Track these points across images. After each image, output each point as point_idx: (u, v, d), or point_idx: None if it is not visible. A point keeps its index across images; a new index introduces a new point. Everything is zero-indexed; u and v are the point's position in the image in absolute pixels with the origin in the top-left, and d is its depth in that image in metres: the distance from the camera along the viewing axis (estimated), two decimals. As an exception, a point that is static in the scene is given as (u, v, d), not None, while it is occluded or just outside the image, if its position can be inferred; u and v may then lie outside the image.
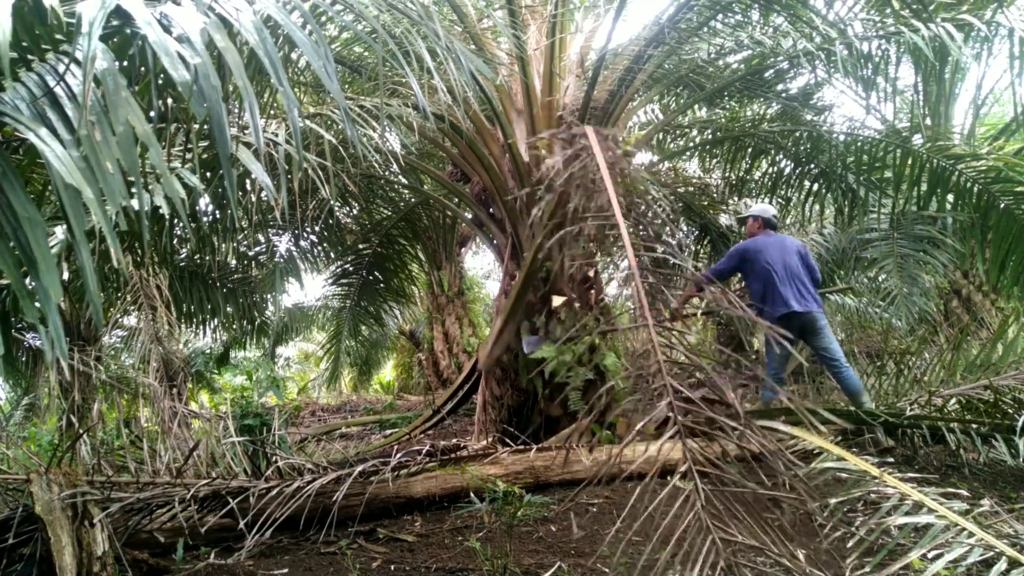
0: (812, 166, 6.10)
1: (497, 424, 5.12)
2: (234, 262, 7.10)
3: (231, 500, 2.76)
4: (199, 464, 3.12)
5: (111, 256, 1.30)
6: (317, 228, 7.10)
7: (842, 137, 5.70)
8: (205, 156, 3.12)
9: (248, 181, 4.04)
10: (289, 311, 11.07)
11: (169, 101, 2.16)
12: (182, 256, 6.32)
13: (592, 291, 5.17)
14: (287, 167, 2.93)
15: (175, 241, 5.16)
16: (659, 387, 2.27)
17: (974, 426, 3.51)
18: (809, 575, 1.59)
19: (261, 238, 6.79)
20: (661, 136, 7.50)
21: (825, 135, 5.74)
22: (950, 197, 5.15)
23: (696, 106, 6.99)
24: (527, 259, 4.91)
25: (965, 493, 2.13)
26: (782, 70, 5.79)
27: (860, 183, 5.70)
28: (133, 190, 1.40)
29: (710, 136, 6.93)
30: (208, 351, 10.84)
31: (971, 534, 1.82)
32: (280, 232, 6.92)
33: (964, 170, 4.88)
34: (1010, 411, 3.53)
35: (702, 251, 8.31)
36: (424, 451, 3.36)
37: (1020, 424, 3.15)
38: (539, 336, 4.87)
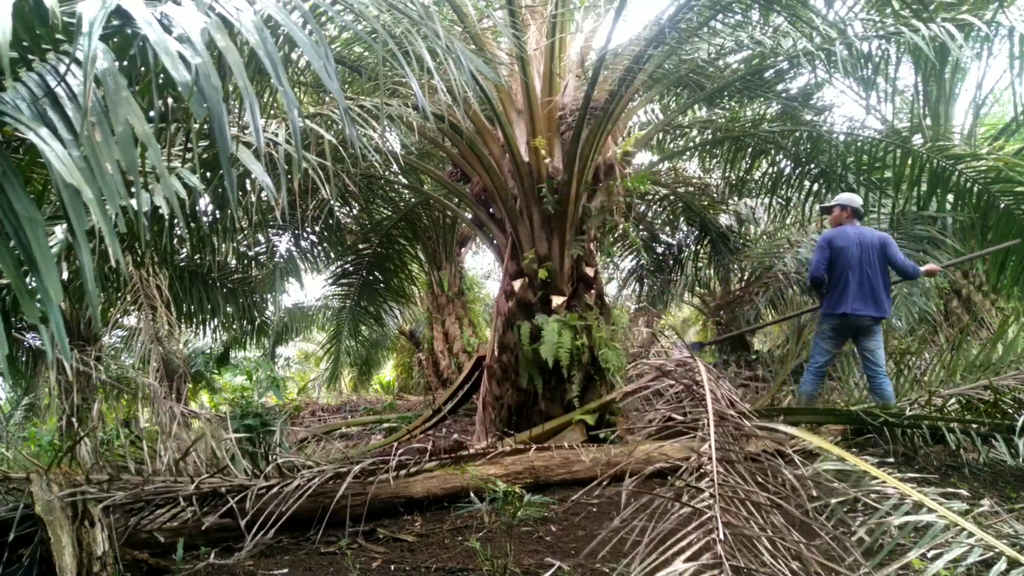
0: (812, 166, 6.10)
1: (497, 424, 5.13)
2: (234, 262, 7.10)
3: (231, 499, 2.76)
4: (199, 464, 3.12)
5: (111, 256, 1.30)
6: (317, 228, 7.11)
7: (842, 137, 5.71)
8: (205, 156, 3.12)
9: (248, 181, 4.04)
10: (289, 311, 11.06)
11: (169, 101, 2.16)
12: (182, 256, 6.32)
13: (593, 290, 5.18)
14: (287, 167, 2.93)
15: (175, 241, 5.17)
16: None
17: (974, 426, 3.51)
18: (814, 574, 1.59)
19: (261, 238, 6.79)
20: (661, 136, 7.50)
21: (825, 135, 5.74)
22: (950, 197, 5.16)
23: (696, 106, 6.99)
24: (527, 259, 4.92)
25: (965, 493, 2.13)
26: (782, 70, 5.79)
27: (860, 183, 5.70)
28: (133, 190, 1.40)
29: (710, 136, 6.94)
30: (208, 351, 10.83)
31: (971, 534, 1.82)
32: (280, 232, 6.92)
33: (964, 170, 4.88)
34: (1010, 411, 3.53)
35: (702, 251, 8.31)
36: (424, 450, 3.36)
37: (1020, 424, 3.14)
38: (700, 343, 4.87)
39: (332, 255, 7.68)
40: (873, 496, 2.10)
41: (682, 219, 8.35)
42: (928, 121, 6.01)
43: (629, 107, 5.67)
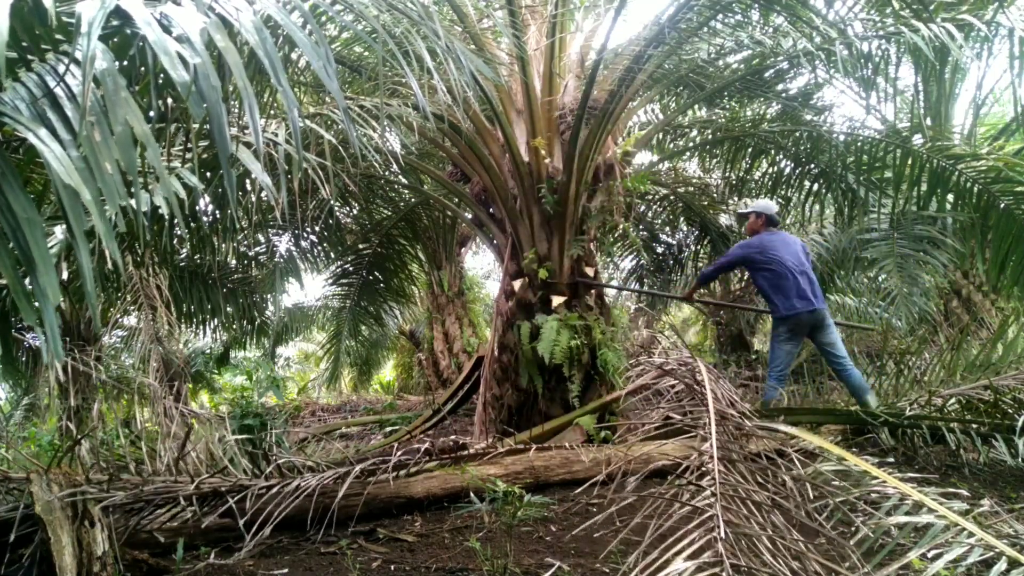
0: (812, 166, 6.09)
1: (497, 424, 5.13)
2: (234, 262, 7.10)
3: (230, 499, 2.76)
4: (198, 464, 3.12)
5: (109, 256, 1.30)
6: (317, 228, 7.11)
7: (842, 137, 5.70)
8: (205, 156, 3.12)
9: (248, 181, 4.03)
10: (289, 311, 11.06)
11: (169, 101, 2.16)
12: (182, 256, 6.32)
13: (592, 290, 5.18)
14: (287, 167, 2.93)
15: (175, 241, 5.16)
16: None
17: (974, 426, 3.51)
18: (814, 573, 1.59)
19: (261, 238, 6.79)
20: (661, 136, 7.50)
21: (825, 135, 5.74)
22: (950, 197, 5.15)
23: (696, 106, 6.98)
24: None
25: (965, 493, 2.12)
26: (782, 70, 5.79)
27: (860, 183, 5.70)
28: (132, 190, 1.40)
29: (710, 136, 6.94)
30: (208, 351, 10.83)
31: (971, 534, 1.82)
32: (280, 232, 6.92)
33: (964, 170, 4.87)
34: (1010, 411, 3.53)
35: (702, 251, 8.31)
36: (424, 450, 3.36)
37: (1020, 424, 3.14)
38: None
39: (332, 255, 7.68)
40: (873, 496, 2.10)
41: (682, 219, 8.35)
42: (928, 121, 6.01)
43: (629, 107, 5.66)
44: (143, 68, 1.49)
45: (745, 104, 6.65)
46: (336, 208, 7.11)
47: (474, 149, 5.09)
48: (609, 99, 4.68)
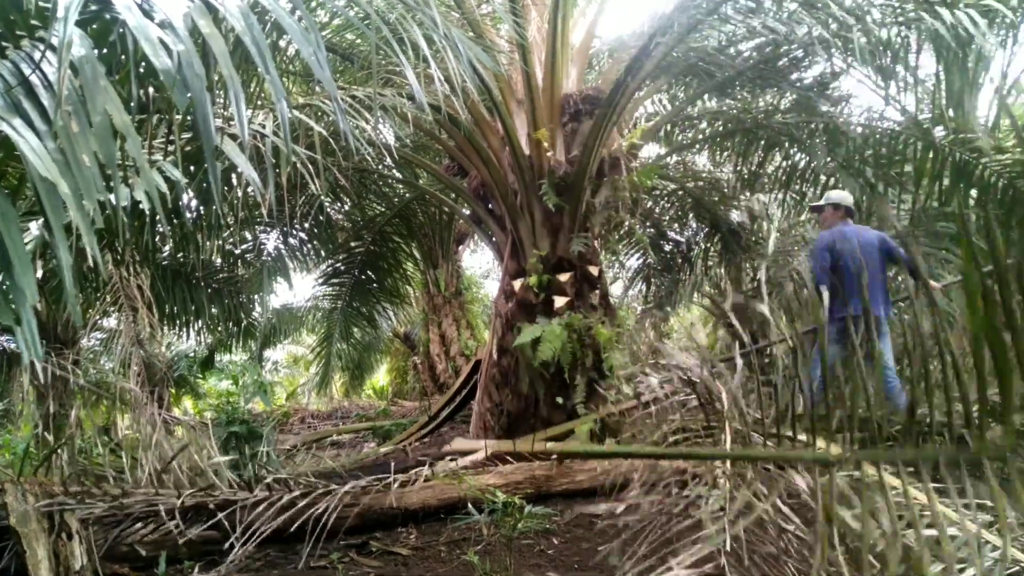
0: (828, 159, 6.09)
1: (496, 432, 5.12)
2: (219, 261, 7.09)
3: (219, 513, 2.76)
4: (181, 474, 3.11)
5: (88, 254, 1.30)
6: (307, 225, 7.10)
7: (860, 129, 5.70)
8: (188, 149, 3.12)
9: (234, 175, 4.04)
10: (277, 312, 11.07)
11: (150, 90, 2.16)
12: (164, 254, 6.32)
13: (597, 290, 5.18)
14: (275, 160, 2.93)
15: (157, 238, 5.16)
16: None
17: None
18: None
19: (248, 235, 6.78)
20: (669, 128, 7.50)
21: (842, 127, 5.74)
22: (973, 192, 5.15)
23: (706, 96, 6.98)
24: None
25: (989, 504, 2.12)
26: (796, 58, 5.78)
27: (879, 177, 5.69)
28: (112, 184, 1.40)
29: (721, 128, 6.93)
30: (192, 354, 10.83)
31: (995, 547, 1.82)
32: (268, 229, 6.92)
33: (988, 164, 4.87)
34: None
35: (712, 249, 8.31)
36: (419, 460, 3.36)
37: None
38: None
39: (322, 253, 7.68)
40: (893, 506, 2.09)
41: (691, 215, 8.34)
42: (951, 112, 6.01)
43: (636, 97, 5.66)
44: (123, 55, 1.49)
45: (758, 94, 6.65)
46: (327, 204, 7.11)
47: (472, 141, 5.09)
48: (614, 89, 4.68)
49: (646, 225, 8.42)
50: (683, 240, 8.71)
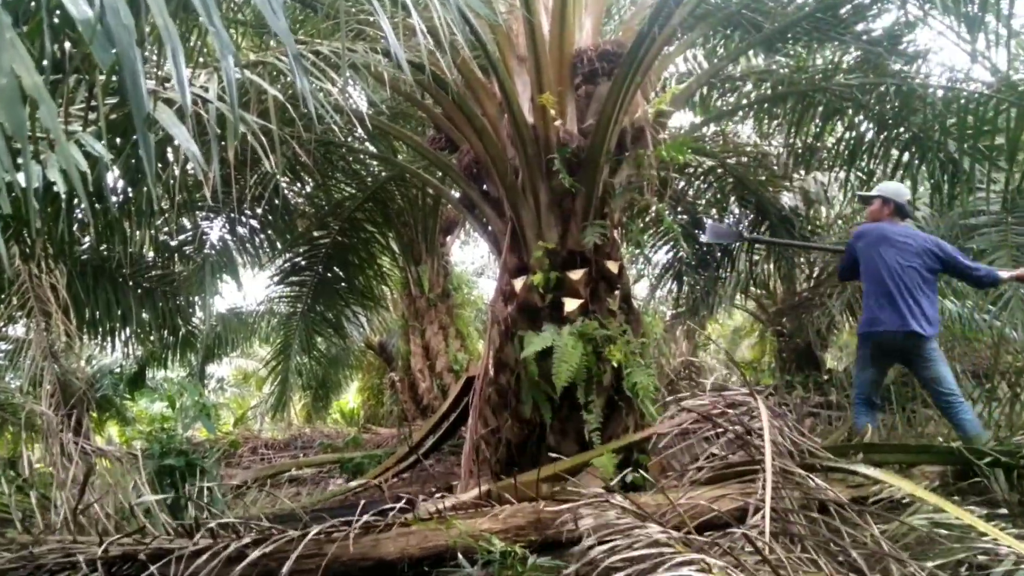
0: (901, 130, 6.09)
1: (493, 465, 5.11)
2: (152, 255, 7.10)
3: (152, 564, 2.76)
4: (105, 518, 3.11)
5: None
6: (259, 211, 7.11)
7: (940, 93, 5.69)
8: (114, 117, 3.12)
9: (170, 149, 4.04)
10: (223, 318, 11.07)
11: (67, 45, 2.16)
12: (84, 247, 6.32)
13: (617, 291, 5.18)
14: (220, 131, 2.93)
15: (75, 227, 5.16)
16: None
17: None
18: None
19: (187, 223, 6.79)
20: (706, 91, 7.50)
21: (918, 90, 5.74)
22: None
23: (751, 52, 6.98)
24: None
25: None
26: (862, 5, 5.78)
27: (964, 152, 5.69)
28: (20, 160, 1.40)
29: (769, 91, 6.93)
30: (118, 370, 10.83)
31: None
32: (211, 216, 6.92)
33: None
34: None
35: (759, 240, 8.31)
36: (398, 498, 3.36)
37: None
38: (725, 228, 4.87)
39: (279, 245, 7.68)
40: (980, 558, 2.10)
41: (732, 199, 8.34)
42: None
43: (664, 53, 5.66)
44: (33, 2, 1.49)
45: (815, 49, 6.65)
46: (284, 185, 7.12)
47: (463, 108, 5.09)
48: (638, 43, 4.67)
49: (677, 211, 8.42)
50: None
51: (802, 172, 7.85)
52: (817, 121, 6.76)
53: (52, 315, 5.92)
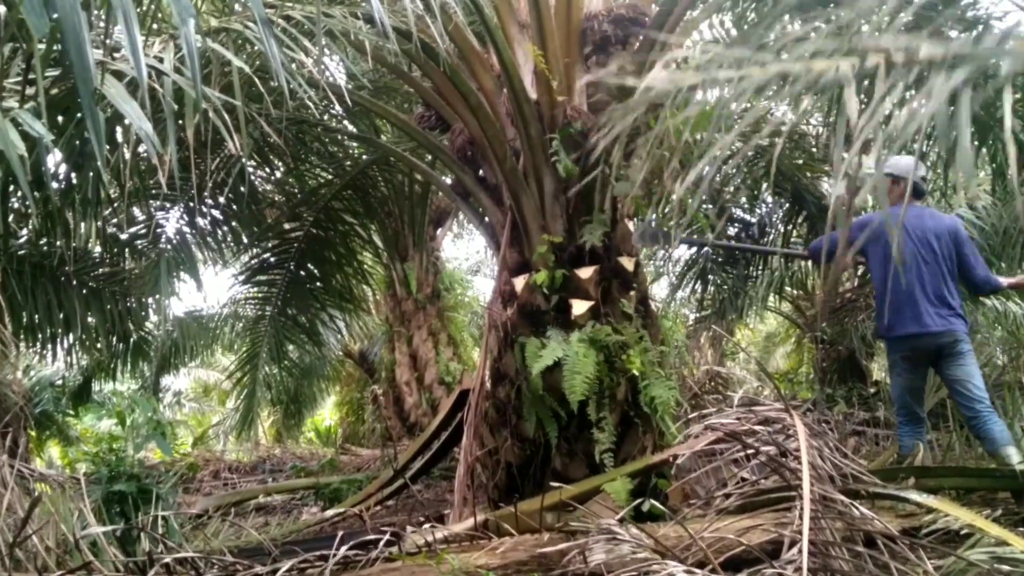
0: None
1: (490, 490, 5.11)
2: (99, 250, 7.10)
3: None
4: (44, 551, 3.12)
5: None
6: (222, 200, 7.10)
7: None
8: (56, 92, 3.12)
9: (120, 129, 4.04)
10: (180, 322, 11.07)
11: (1, 9, 2.16)
12: (21, 240, 6.31)
13: (632, 291, 5.19)
14: (177, 108, 2.93)
15: (10, 218, 5.16)
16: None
17: None
18: None
19: (139, 214, 6.78)
20: (734, 62, 7.50)
21: (979, 59, 5.74)
22: None
23: (786, 17, 6.98)
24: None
25: None
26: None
27: (1029, 131, 5.70)
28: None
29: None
30: (60, 382, 10.84)
31: None
32: (167, 205, 6.92)
33: None
34: None
35: (795, 232, 8.32)
36: (382, 530, 3.37)
37: None
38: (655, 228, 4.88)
39: (244, 239, 7.67)
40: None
41: (764, 185, 8.35)
42: None
43: (687, 19, 5.67)
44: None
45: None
46: (250, 169, 7.11)
47: (456, 82, 5.09)
48: (659, 6, 4.69)
49: (701, 199, 8.42)
50: (754, 220, 8.71)
51: (844, 154, 7.85)
52: (862, 96, 6.76)
53: (-16, 319, 5.92)
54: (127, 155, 3.99)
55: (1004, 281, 4.65)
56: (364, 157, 7.87)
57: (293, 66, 3.44)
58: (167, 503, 4.55)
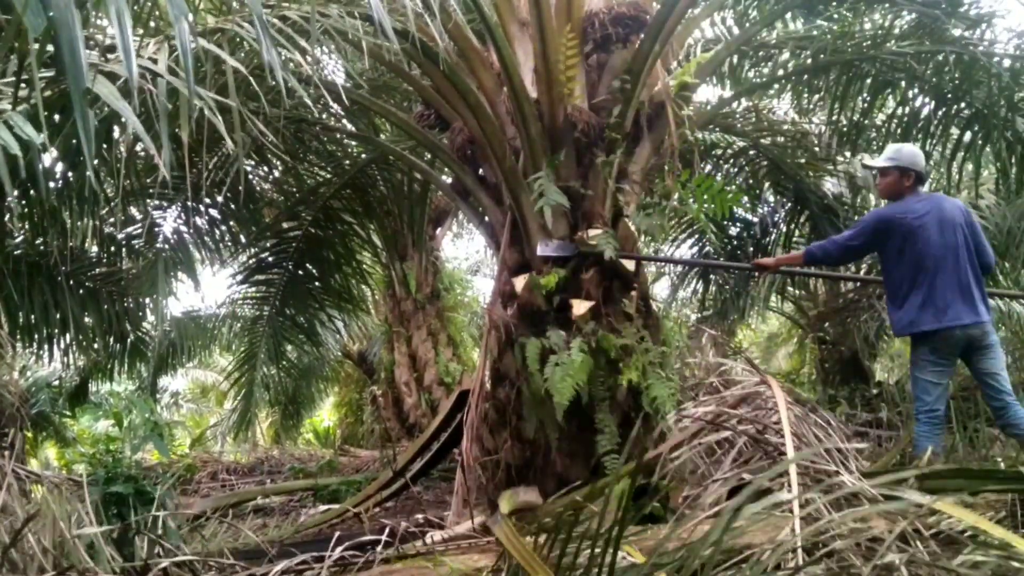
0: (962, 105, 6.08)
1: (490, 492, 5.11)
2: (96, 250, 7.10)
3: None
4: (41, 553, 3.11)
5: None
6: (220, 199, 7.10)
7: (1007, 62, 5.69)
8: (49, 93, 3.12)
9: (116, 128, 4.04)
10: (178, 323, 11.07)
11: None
12: (17, 240, 6.31)
13: (634, 291, 5.18)
14: (172, 108, 2.93)
15: (6, 218, 5.16)
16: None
17: None
18: None
19: (136, 214, 6.78)
20: (736, 60, 7.49)
21: (982, 59, 5.74)
22: None
23: (789, 15, 6.98)
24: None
25: None
26: (918, -40, 5.78)
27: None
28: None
29: (809, 60, 6.92)
30: (57, 383, 10.85)
31: None
32: (164, 205, 6.92)
33: None
34: None
35: (797, 232, 8.31)
36: (381, 530, 3.36)
37: None
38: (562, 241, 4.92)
39: (242, 239, 7.68)
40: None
41: (767, 184, 8.35)
42: None
43: (688, 16, 5.67)
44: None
45: (862, 12, 6.64)
46: (248, 169, 7.11)
47: (455, 81, 5.08)
48: (660, 4, 4.69)
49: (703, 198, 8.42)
50: (756, 220, 8.71)
51: (847, 154, 7.84)
52: (865, 95, 6.75)
53: (-20, 320, 5.92)
54: (123, 154, 3.99)
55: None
56: (363, 156, 7.87)
57: (290, 65, 3.44)
58: (165, 505, 4.55)
